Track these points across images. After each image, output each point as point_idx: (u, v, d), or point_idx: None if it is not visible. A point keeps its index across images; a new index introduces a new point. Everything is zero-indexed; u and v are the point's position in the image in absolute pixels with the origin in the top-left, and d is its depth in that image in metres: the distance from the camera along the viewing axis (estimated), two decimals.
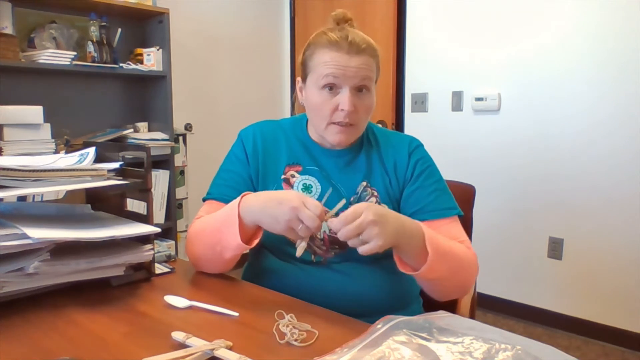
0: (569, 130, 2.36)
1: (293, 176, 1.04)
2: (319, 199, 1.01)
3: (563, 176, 2.40)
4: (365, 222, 0.79)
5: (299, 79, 1.07)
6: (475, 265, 0.99)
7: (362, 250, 0.81)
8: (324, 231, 1.01)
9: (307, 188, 1.03)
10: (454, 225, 1.02)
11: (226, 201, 1.03)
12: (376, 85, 1.04)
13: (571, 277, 2.41)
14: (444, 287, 0.96)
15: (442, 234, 0.98)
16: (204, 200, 1.09)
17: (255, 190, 1.06)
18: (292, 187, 1.04)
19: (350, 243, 0.81)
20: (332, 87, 0.97)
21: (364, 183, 1.04)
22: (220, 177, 1.09)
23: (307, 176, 1.04)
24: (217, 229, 0.94)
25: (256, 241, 0.92)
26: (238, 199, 0.91)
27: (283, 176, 1.05)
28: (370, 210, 0.80)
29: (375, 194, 1.03)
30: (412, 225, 0.88)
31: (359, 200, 1.02)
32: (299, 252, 0.82)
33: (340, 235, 0.80)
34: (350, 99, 0.95)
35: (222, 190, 1.06)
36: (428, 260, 0.85)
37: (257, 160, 1.06)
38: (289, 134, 1.10)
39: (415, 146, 1.07)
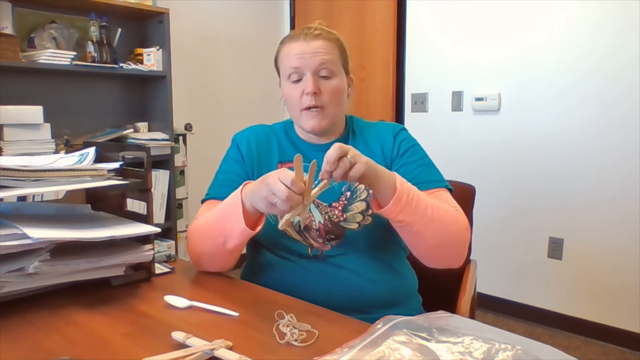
0: (568, 129, 2.36)
1: None
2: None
3: (563, 176, 2.40)
4: (350, 148, 0.85)
5: (279, 82, 1.13)
6: (464, 226, 0.97)
7: (354, 170, 0.82)
8: (319, 222, 1.02)
9: None
10: (443, 194, 1.03)
11: (223, 199, 1.04)
12: (349, 72, 1.10)
13: (571, 277, 2.41)
14: (425, 239, 0.94)
15: None
16: (203, 202, 1.10)
17: None
18: None
19: (341, 164, 0.82)
20: (297, 78, 1.04)
21: None
22: (218, 179, 1.12)
23: None
24: (220, 217, 0.95)
25: (259, 227, 0.93)
26: (241, 186, 0.93)
27: None
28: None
29: None
30: (385, 170, 0.91)
31: (349, 187, 1.05)
32: (280, 224, 0.80)
33: (333, 150, 0.82)
34: (312, 82, 1.01)
35: (221, 190, 1.07)
36: (395, 195, 0.87)
37: (252, 160, 1.10)
38: (280, 135, 1.14)
39: (399, 129, 1.12)
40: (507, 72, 2.54)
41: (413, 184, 0.99)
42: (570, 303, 2.42)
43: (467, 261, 1.27)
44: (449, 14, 2.72)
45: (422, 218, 0.90)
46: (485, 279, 2.54)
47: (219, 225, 0.95)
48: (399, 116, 2.99)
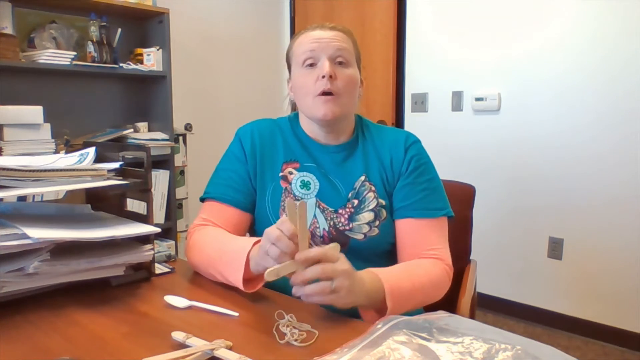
0: (569, 130, 2.36)
1: (291, 173, 1.05)
2: (317, 195, 1.02)
3: (563, 176, 2.40)
4: (340, 270, 0.77)
5: (288, 78, 1.10)
6: (446, 281, 0.98)
7: (327, 298, 0.76)
8: (323, 228, 1.01)
9: (305, 185, 1.04)
10: (435, 230, 1.01)
11: (226, 201, 1.04)
12: (363, 72, 1.09)
13: (571, 277, 2.41)
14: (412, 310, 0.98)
15: (419, 237, 0.99)
16: (202, 199, 1.08)
17: (253, 188, 1.06)
18: (290, 184, 1.04)
19: (318, 287, 0.75)
20: (312, 64, 1.01)
21: (362, 177, 1.04)
22: (219, 176, 1.09)
23: (304, 173, 1.05)
24: (223, 262, 0.91)
25: (259, 286, 0.88)
26: (249, 245, 0.87)
27: (281, 174, 1.05)
28: (346, 267, 0.78)
29: (373, 189, 1.03)
30: (374, 286, 0.84)
31: (356, 195, 1.02)
32: (266, 272, 0.74)
33: (314, 270, 0.76)
34: (327, 64, 0.98)
35: (221, 190, 1.06)
36: (388, 312, 0.83)
37: (255, 159, 1.07)
38: (286, 131, 1.10)
39: (412, 142, 1.06)
40: (507, 72, 2.54)
41: (411, 209, 1.00)
42: (570, 303, 2.42)
43: (467, 261, 1.27)
44: (449, 14, 2.72)
45: (414, 304, 0.92)
46: (485, 279, 2.54)
47: (218, 267, 0.92)
48: (399, 116, 2.99)
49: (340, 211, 1.01)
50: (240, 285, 0.86)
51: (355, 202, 1.02)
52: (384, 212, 1.02)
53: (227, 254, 0.91)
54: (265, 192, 1.05)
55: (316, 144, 1.07)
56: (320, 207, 1.02)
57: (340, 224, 1.01)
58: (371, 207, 1.02)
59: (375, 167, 1.05)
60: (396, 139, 1.07)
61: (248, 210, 1.06)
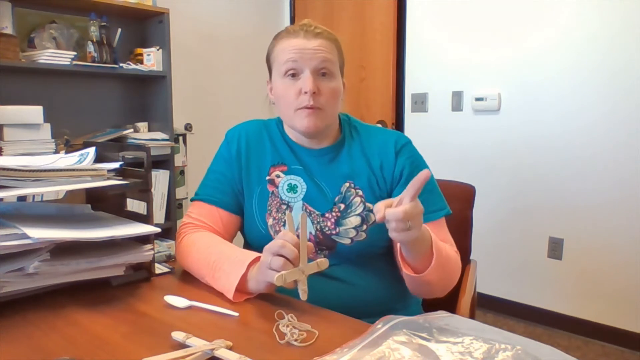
0: (568, 130, 2.36)
1: (278, 176, 1.05)
2: (304, 199, 1.02)
3: (563, 176, 2.40)
4: (418, 209, 0.79)
5: (267, 80, 1.08)
6: (459, 267, 1.00)
7: (404, 235, 0.79)
8: (310, 232, 1.00)
9: (292, 188, 1.03)
10: (440, 228, 1.01)
11: (214, 202, 1.04)
12: (344, 75, 1.06)
13: (571, 277, 2.41)
14: (431, 288, 0.96)
15: None
16: (192, 200, 1.09)
17: (240, 191, 1.06)
18: (277, 187, 1.04)
19: (402, 224, 0.77)
20: (294, 74, 0.99)
21: (347, 184, 1.02)
22: (208, 178, 1.10)
23: (292, 176, 1.04)
24: (215, 279, 0.91)
25: (244, 297, 0.88)
26: (245, 267, 0.86)
27: (268, 177, 1.05)
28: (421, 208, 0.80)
29: (360, 193, 1.02)
30: (426, 233, 0.87)
31: (343, 200, 1.02)
32: (275, 277, 0.78)
33: (401, 214, 0.77)
34: (311, 80, 0.96)
35: (208, 192, 1.07)
36: (432, 263, 0.86)
37: (240, 162, 1.07)
38: (274, 133, 1.10)
39: (402, 145, 1.04)
40: (507, 72, 2.54)
41: None
42: (570, 303, 2.42)
43: (467, 261, 1.27)
44: (449, 13, 2.72)
45: (442, 274, 0.92)
46: (485, 279, 2.54)
47: (208, 275, 0.92)
48: (399, 116, 2.99)
49: (327, 215, 1.01)
50: (230, 296, 0.85)
51: (342, 206, 1.01)
52: (372, 217, 1.00)
53: (222, 271, 0.90)
54: (252, 196, 1.05)
55: (301, 147, 1.07)
56: (307, 210, 1.01)
57: (327, 228, 1.00)
58: (358, 211, 1.01)
59: (362, 171, 1.03)
60: (385, 141, 1.04)
61: (236, 212, 1.07)
